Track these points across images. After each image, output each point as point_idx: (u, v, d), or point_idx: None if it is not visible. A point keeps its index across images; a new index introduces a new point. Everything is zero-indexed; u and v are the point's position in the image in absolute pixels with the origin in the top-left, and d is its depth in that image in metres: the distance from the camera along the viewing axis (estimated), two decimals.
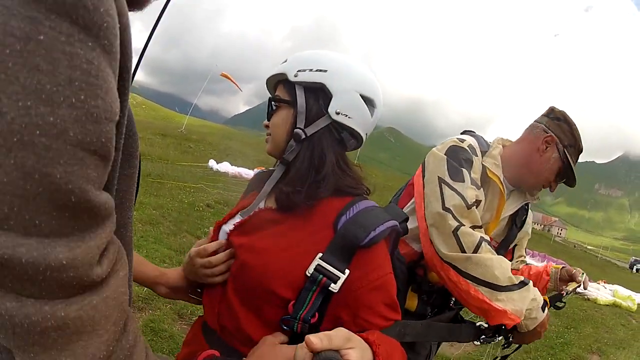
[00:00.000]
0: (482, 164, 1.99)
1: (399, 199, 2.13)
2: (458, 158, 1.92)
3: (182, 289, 1.40)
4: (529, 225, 2.22)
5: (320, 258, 1.09)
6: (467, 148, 1.97)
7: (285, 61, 1.28)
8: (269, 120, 1.30)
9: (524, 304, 1.69)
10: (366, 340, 0.95)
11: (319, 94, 1.22)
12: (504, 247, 2.13)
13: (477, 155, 1.98)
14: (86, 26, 0.47)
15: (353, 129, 1.25)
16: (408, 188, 2.11)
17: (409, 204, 2.04)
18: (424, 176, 1.93)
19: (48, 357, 0.55)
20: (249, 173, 15.18)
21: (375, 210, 1.20)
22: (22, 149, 0.45)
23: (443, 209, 1.79)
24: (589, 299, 11.84)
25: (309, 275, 1.08)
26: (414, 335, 1.41)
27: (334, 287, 1.07)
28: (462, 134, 2.15)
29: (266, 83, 1.36)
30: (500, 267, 1.71)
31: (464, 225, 1.76)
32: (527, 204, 2.18)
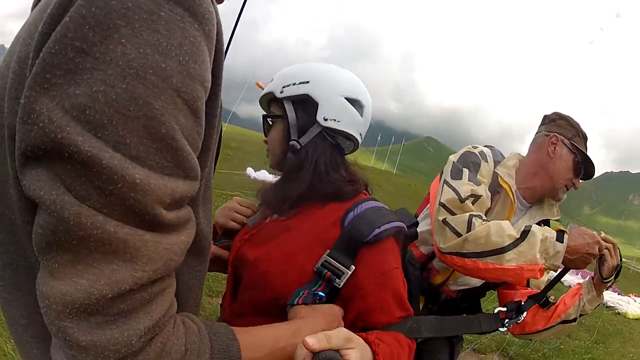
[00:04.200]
0: (495, 171, 2.03)
1: (419, 206, 2.19)
2: (466, 161, 1.97)
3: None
4: None
5: (328, 255, 1.13)
6: (477, 153, 2.02)
7: (272, 80, 1.35)
8: (266, 134, 1.39)
9: (534, 250, 1.67)
10: (366, 340, 0.96)
11: (306, 104, 1.28)
12: None
13: (486, 161, 2.02)
14: (194, 13, 0.61)
15: (345, 132, 1.29)
16: (427, 195, 2.15)
17: (424, 210, 2.11)
18: (440, 181, 1.98)
19: (73, 271, 0.58)
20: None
21: (384, 210, 1.23)
22: (135, 79, 0.56)
23: (438, 204, 1.85)
24: (619, 313, 11.80)
25: (315, 270, 1.13)
26: (429, 330, 1.35)
27: (338, 282, 1.11)
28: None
29: (260, 103, 1.45)
30: (496, 232, 1.71)
31: (455, 215, 1.80)
32: (547, 221, 2.14)
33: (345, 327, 1.07)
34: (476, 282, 2.16)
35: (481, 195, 1.88)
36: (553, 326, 1.94)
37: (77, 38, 0.55)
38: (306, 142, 1.27)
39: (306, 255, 1.16)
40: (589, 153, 2.08)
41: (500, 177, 2.01)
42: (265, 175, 15.86)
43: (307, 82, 1.27)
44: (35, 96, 0.55)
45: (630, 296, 14.52)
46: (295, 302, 1.09)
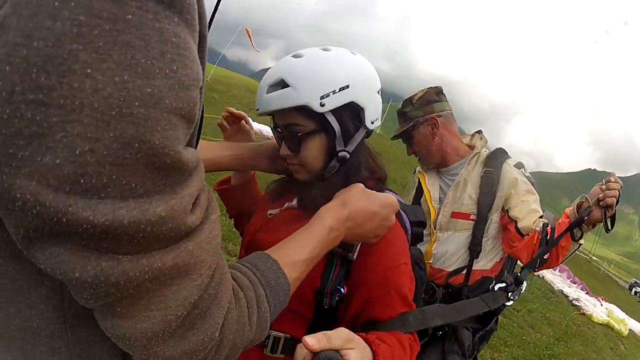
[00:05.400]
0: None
1: None
2: None
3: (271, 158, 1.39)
4: (505, 183, 2.24)
5: None
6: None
7: (285, 84, 1.13)
8: (293, 151, 1.20)
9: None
10: (366, 340, 0.95)
11: (348, 110, 1.16)
12: (482, 217, 2.25)
13: (413, 173, 2.62)
14: (171, 4, 0.49)
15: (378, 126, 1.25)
16: None
17: None
18: None
19: (138, 307, 0.55)
20: (269, 132, 14.66)
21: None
22: (121, 120, 0.46)
23: None
24: (584, 314, 11.87)
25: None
26: (435, 318, 1.29)
27: (351, 255, 1.11)
28: None
29: (262, 114, 1.21)
30: None
31: None
32: (491, 172, 2.27)
33: (350, 314, 1.15)
34: (452, 251, 2.31)
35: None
36: (567, 256, 2.11)
37: (27, 90, 0.43)
38: (353, 148, 1.20)
39: None
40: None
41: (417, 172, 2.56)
42: (252, 123, 15.42)
43: (347, 86, 1.13)
44: (7, 180, 0.45)
45: (598, 299, 14.59)
46: (325, 288, 1.14)
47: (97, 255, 0.50)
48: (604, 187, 1.94)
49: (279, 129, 1.23)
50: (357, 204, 1.05)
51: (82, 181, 0.46)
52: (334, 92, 1.11)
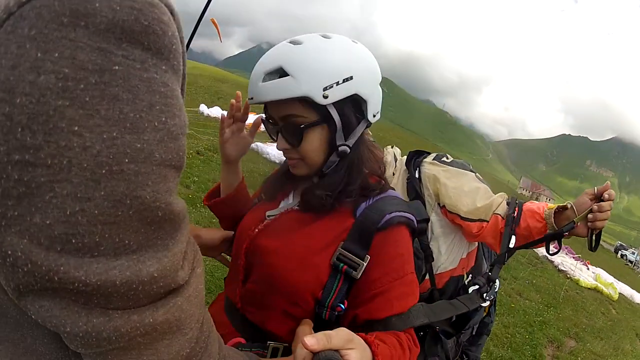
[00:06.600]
0: None
1: None
2: None
3: (215, 247, 1.45)
4: (427, 184, 2.09)
5: (342, 247, 1.10)
6: None
7: (285, 73, 1.04)
8: (292, 144, 1.13)
9: None
10: (366, 340, 0.94)
11: (350, 103, 1.11)
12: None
13: None
14: (158, 51, 0.48)
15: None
16: None
17: None
18: None
19: (129, 358, 0.54)
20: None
21: (397, 199, 1.18)
22: (112, 178, 0.45)
23: None
24: (571, 279, 11.94)
25: (332, 264, 1.09)
26: (419, 317, 1.22)
27: (355, 274, 1.08)
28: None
29: (256, 103, 1.14)
30: None
31: None
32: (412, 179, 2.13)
33: (348, 322, 1.13)
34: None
35: None
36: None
37: (13, 150, 0.42)
38: (353, 142, 1.15)
39: (323, 252, 1.12)
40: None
41: None
42: (218, 112, 15.28)
43: (351, 77, 1.07)
44: None
45: (584, 263, 14.69)
46: (327, 302, 1.10)
47: (87, 311, 0.49)
48: (595, 207, 1.62)
49: (272, 120, 1.17)
50: None
51: (73, 241, 0.45)
52: (337, 83, 1.05)
